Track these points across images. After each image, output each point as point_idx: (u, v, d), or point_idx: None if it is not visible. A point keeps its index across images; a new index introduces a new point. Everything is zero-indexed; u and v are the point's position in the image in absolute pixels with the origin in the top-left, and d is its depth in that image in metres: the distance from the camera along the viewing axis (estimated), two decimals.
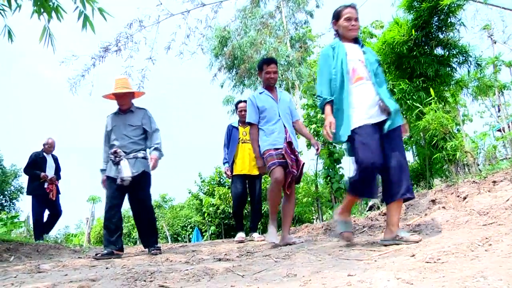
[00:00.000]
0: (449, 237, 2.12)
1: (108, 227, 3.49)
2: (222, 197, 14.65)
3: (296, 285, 1.44)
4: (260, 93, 3.61)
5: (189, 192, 18.83)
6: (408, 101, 5.01)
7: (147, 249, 3.71)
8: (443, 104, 4.62)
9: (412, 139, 6.34)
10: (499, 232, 1.89)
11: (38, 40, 3.43)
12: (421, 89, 5.07)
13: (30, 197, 5.89)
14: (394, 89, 5.18)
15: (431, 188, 4.22)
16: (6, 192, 23.69)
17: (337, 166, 7.70)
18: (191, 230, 20.51)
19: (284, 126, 3.43)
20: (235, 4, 12.92)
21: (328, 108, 2.56)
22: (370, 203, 7.13)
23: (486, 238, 1.83)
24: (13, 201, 24.02)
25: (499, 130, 11.69)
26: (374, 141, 2.37)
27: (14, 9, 3.32)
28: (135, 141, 3.65)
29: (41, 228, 5.79)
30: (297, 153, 3.41)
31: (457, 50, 5.25)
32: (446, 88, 5.54)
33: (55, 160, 6.22)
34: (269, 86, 3.61)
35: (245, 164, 4.71)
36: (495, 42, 11.96)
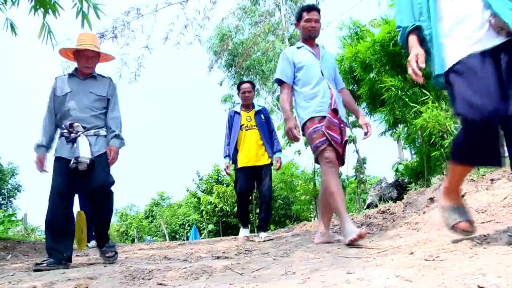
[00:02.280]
0: (448, 235, 2.11)
1: (52, 226, 2.61)
2: (220, 195, 14.65)
3: (295, 283, 1.44)
4: (298, 47, 2.88)
5: (187, 190, 18.86)
6: (403, 97, 5.01)
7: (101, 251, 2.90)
8: (441, 101, 4.63)
9: (409, 137, 6.35)
10: (497, 230, 1.89)
11: (37, 37, 3.42)
12: (416, 86, 5.07)
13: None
14: (388, 86, 5.19)
15: (429, 186, 4.23)
16: (3, 190, 23.62)
17: None
18: (189, 228, 20.54)
19: (329, 87, 2.71)
20: None
21: (412, 39, 1.81)
22: (368, 201, 7.16)
23: (485, 236, 1.83)
24: (10, 199, 23.99)
25: None
26: (486, 78, 1.54)
27: (11, 4, 3.31)
28: (97, 114, 2.84)
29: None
30: (343, 126, 2.70)
31: None
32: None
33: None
34: (310, 39, 2.87)
35: (251, 154, 4.05)
36: None
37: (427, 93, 4.53)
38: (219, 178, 16.75)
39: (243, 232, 4.18)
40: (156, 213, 25.87)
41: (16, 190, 24.21)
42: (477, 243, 1.68)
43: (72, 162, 2.62)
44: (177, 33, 6.11)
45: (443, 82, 1.73)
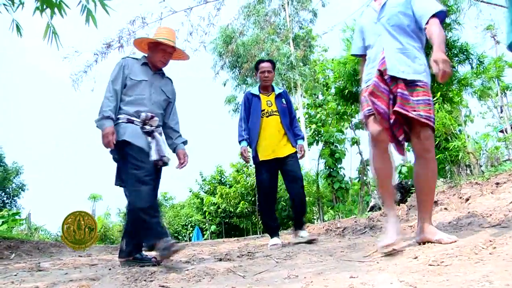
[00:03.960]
0: None
1: (150, 221, 2.29)
2: (223, 196, 14.66)
3: (298, 287, 1.43)
4: (368, 5, 2.47)
5: (190, 191, 18.89)
6: None
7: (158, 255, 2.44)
8: (448, 104, 4.61)
9: None
10: (503, 235, 1.87)
11: (42, 37, 3.44)
12: None
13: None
14: None
15: None
16: (7, 190, 23.77)
17: (339, 166, 7.66)
18: (191, 229, 20.58)
19: (385, 43, 2.18)
20: (238, 1, 12.94)
21: None
22: (371, 204, 7.13)
23: (490, 241, 1.81)
24: (15, 198, 24.12)
25: (501, 131, 11.66)
26: None
27: (17, 5, 3.33)
28: (162, 114, 2.67)
29: None
30: (399, 92, 2.05)
31: (457, 50, 5.24)
32: (449, 88, 5.53)
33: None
34: None
35: (273, 145, 3.48)
36: (498, 43, 11.90)
37: (436, 95, 4.50)
38: (222, 179, 16.76)
39: (275, 241, 3.38)
40: None
41: (20, 189, 24.36)
42: (482, 248, 1.66)
43: (156, 158, 2.43)
44: (182, 40, 6.14)
45: None
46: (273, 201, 3.59)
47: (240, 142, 3.59)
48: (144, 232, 2.32)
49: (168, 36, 2.66)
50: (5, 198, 23.73)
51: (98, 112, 2.42)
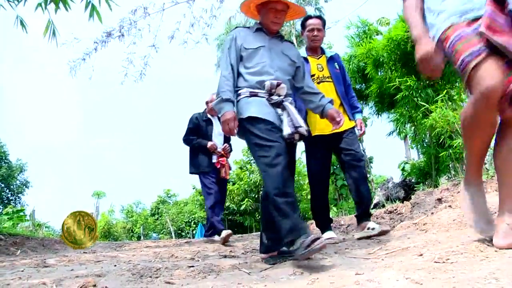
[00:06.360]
0: (457, 236, 2.10)
1: (284, 209, 1.91)
2: (226, 193, 14.67)
3: (304, 284, 1.44)
4: None
5: (193, 188, 18.94)
6: (415, 98, 4.98)
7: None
8: (450, 102, 4.60)
9: (417, 137, 6.31)
10: None
11: (43, 35, 3.45)
12: (428, 86, 5.04)
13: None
14: (401, 86, 5.15)
15: (437, 187, 4.20)
16: (12, 186, 23.94)
17: None
18: (195, 226, 20.63)
19: None
20: None
21: None
22: (374, 201, 7.12)
23: None
24: (19, 195, 24.30)
25: None
26: None
27: (19, 0, 3.33)
28: (290, 80, 2.32)
29: (219, 214, 4.11)
30: None
31: None
32: (452, 86, 5.51)
33: None
34: None
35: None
36: None
37: (440, 93, 4.48)
38: None
39: (331, 234, 2.97)
40: (162, 211, 26.02)
41: (24, 186, 24.53)
42: (488, 245, 1.66)
43: (290, 131, 2.07)
44: (184, 32, 6.10)
45: None
46: (327, 187, 3.09)
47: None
48: (278, 223, 1.95)
49: None
50: (9, 195, 23.91)
51: (216, 93, 2.19)
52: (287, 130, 2.08)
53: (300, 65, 2.41)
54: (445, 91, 4.55)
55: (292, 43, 2.50)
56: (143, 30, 5.87)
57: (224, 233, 3.69)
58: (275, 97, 2.15)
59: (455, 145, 4.22)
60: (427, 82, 5.06)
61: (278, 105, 2.15)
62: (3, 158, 23.57)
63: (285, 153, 2.06)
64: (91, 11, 3.34)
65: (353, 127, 3.03)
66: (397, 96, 5.17)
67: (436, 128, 4.34)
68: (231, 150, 4.35)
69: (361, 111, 3.21)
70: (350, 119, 3.00)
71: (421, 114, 4.88)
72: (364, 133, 3.17)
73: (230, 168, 4.30)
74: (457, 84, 5.48)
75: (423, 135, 5.87)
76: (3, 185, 23.48)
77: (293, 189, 2.06)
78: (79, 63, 5.99)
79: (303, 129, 2.10)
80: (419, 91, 4.98)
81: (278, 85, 2.15)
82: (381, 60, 5.55)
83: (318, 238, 1.78)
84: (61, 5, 3.34)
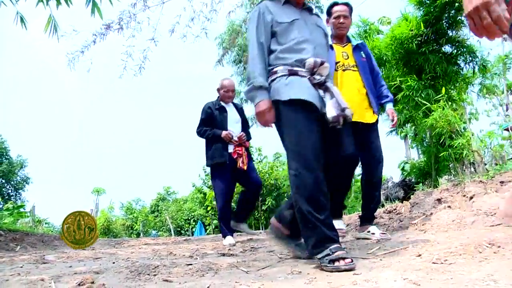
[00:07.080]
0: (456, 237, 2.10)
1: (319, 201, 1.76)
2: None
3: (301, 283, 1.43)
4: None
5: (193, 186, 18.95)
6: (416, 98, 4.96)
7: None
8: (451, 103, 4.59)
9: (418, 136, 6.30)
10: (507, 234, 1.86)
11: (44, 30, 3.45)
12: (429, 87, 5.03)
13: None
14: (402, 86, 5.14)
15: (437, 187, 4.19)
16: (12, 182, 23.99)
17: None
18: (194, 223, 20.67)
19: None
20: None
21: None
22: None
23: (494, 240, 1.80)
24: (19, 191, 24.36)
25: (507, 129, 11.58)
26: None
27: None
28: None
29: (228, 215, 3.84)
30: None
31: (465, 49, 5.20)
32: (452, 87, 5.50)
33: (240, 111, 4.05)
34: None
35: (354, 105, 2.56)
36: (505, 40, 11.79)
37: (441, 93, 4.47)
38: None
39: (338, 224, 2.79)
40: (161, 208, 26.07)
41: (24, 182, 24.57)
42: (487, 247, 1.65)
43: (336, 113, 1.81)
44: (183, 26, 6.06)
45: None
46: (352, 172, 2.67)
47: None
48: (305, 230, 1.79)
49: None
50: (10, 191, 23.96)
51: (246, 79, 1.94)
52: (331, 112, 1.81)
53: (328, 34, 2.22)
54: (447, 91, 4.54)
55: (319, 16, 2.25)
56: (142, 23, 5.84)
57: (226, 241, 3.65)
58: (317, 77, 1.88)
59: (455, 145, 4.21)
60: (428, 82, 5.05)
61: (321, 85, 1.90)
62: (4, 154, 23.61)
63: (321, 148, 1.81)
64: (92, 8, 3.35)
65: (377, 122, 2.86)
66: (398, 96, 5.15)
67: (436, 127, 4.33)
68: (249, 138, 4.03)
69: (392, 100, 3.02)
70: (374, 113, 2.83)
71: (421, 114, 4.87)
72: (396, 123, 2.98)
73: (251, 158, 3.96)
74: (457, 84, 5.47)
75: (423, 135, 5.87)
76: (3, 181, 23.54)
77: (325, 193, 1.78)
78: (78, 55, 5.96)
79: (349, 111, 1.85)
80: (420, 91, 4.96)
81: (322, 63, 1.91)
82: (384, 58, 5.54)
83: (345, 258, 1.61)
84: (62, 1, 3.35)
